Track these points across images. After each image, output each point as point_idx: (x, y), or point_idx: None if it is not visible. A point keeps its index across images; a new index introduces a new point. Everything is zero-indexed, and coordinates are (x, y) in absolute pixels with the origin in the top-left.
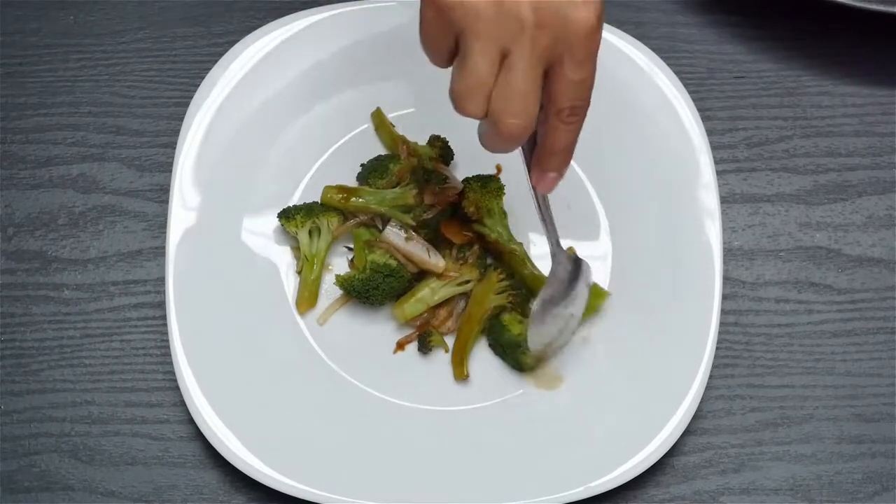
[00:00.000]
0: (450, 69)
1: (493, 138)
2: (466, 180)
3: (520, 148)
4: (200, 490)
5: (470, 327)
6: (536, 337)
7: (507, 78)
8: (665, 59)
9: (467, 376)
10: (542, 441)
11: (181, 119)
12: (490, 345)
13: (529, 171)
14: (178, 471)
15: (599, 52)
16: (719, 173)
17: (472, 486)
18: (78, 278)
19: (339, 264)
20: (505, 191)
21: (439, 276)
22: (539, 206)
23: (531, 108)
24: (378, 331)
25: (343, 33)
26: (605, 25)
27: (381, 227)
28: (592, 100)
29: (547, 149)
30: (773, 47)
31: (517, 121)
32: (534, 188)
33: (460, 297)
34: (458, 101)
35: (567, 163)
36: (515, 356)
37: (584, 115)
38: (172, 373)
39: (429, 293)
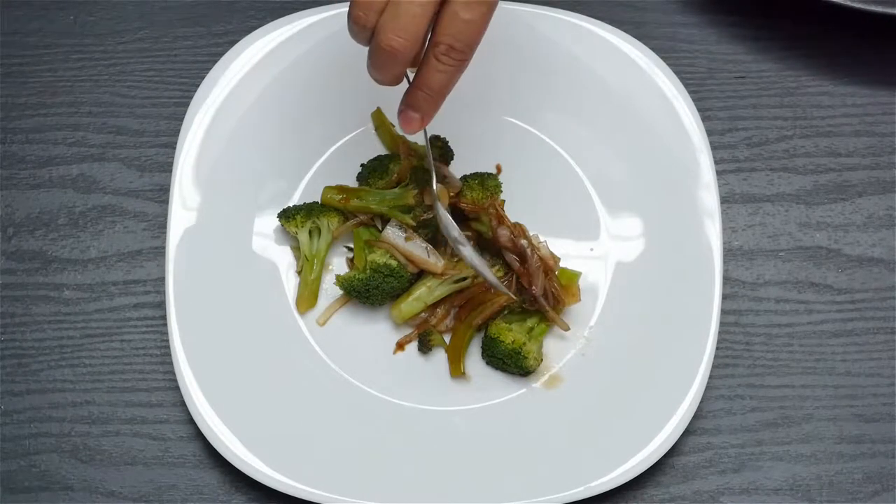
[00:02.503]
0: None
1: (373, 54)
2: (464, 178)
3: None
4: (200, 490)
5: (467, 325)
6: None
7: (397, 3)
8: (665, 59)
9: (464, 373)
10: (542, 441)
11: (181, 119)
12: (488, 363)
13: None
14: (178, 471)
15: (599, 51)
16: (719, 173)
17: (472, 486)
18: (78, 278)
19: (339, 264)
20: (503, 188)
21: (436, 274)
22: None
23: (416, 30)
24: (378, 331)
25: (343, 33)
26: (605, 25)
27: (380, 227)
28: (592, 100)
29: (416, 83)
30: (773, 47)
31: (399, 38)
32: (398, 122)
33: (457, 294)
34: (355, 7)
35: (433, 107)
36: (518, 362)
37: (462, 64)
38: (172, 373)
39: (426, 292)
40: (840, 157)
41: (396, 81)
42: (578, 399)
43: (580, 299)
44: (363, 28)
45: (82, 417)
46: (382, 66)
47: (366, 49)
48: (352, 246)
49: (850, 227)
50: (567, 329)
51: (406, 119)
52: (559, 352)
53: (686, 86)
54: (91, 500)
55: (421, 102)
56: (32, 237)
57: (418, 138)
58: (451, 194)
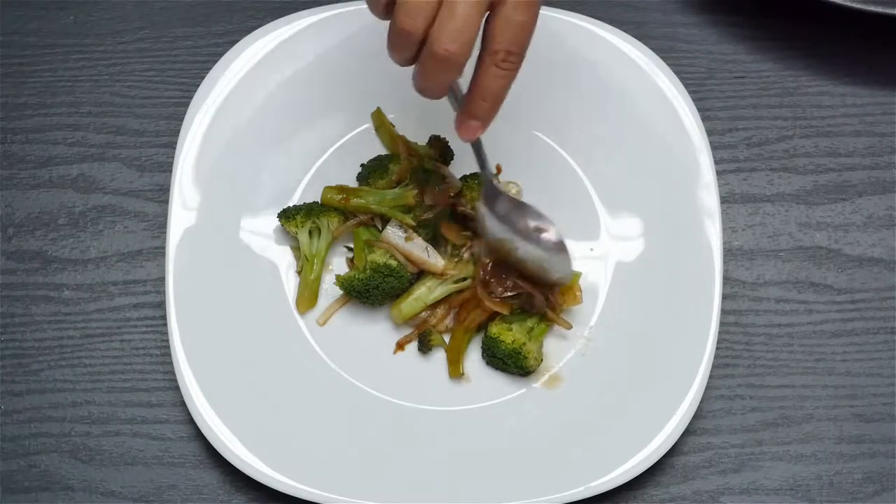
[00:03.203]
0: None
1: (426, 63)
2: (464, 178)
3: (453, 99)
4: (200, 490)
5: (466, 325)
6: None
7: (451, 4)
8: (665, 59)
9: (462, 374)
10: (542, 441)
11: (181, 119)
12: (488, 363)
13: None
14: (178, 471)
15: (599, 51)
16: (719, 173)
17: (472, 486)
18: (78, 278)
19: (339, 264)
20: (503, 188)
21: (436, 274)
22: (473, 150)
23: (469, 35)
24: (378, 331)
25: (343, 33)
26: (605, 25)
27: (380, 227)
28: (592, 99)
29: (476, 92)
30: (773, 47)
31: (454, 45)
32: (457, 133)
33: (457, 294)
34: (403, 15)
35: (493, 113)
36: (518, 363)
37: (518, 66)
38: (172, 373)
39: (425, 292)
40: (840, 157)
41: (444, 92)
42: (578, 399)
43: (581, 301)
44: (410, 37)
45: (82, 417)
46: (437, 75)
47: (364, 48)
48: (352, 246)
49: (850, 227)
50: (569, 327)
51: (467, 129)
52: (559, 352)
53: (686, 86)
54: (91, 500)
55: (483, 110)
56: (32, 237)
57: (419, 136)
58: (451, 195)
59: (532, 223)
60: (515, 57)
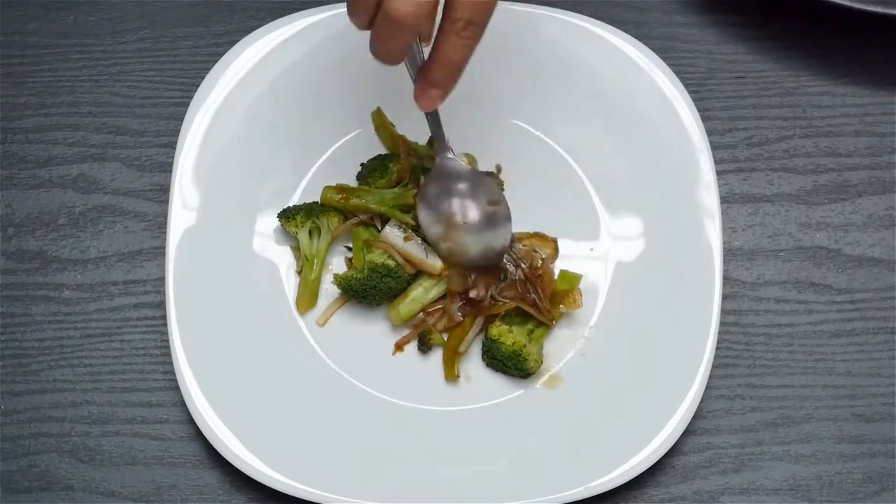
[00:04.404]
0: None
1: (381, 24)
2: None
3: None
4: (200, 490)
5: (463, 327)
6: (427, 225)
7: None
8: (665, 59)
9: (458, 377)
10: (542, 441)
11: (181, 119)
12: (488, 365)
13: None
14: (178, 471)
15: (599, 51)
16: (719, 173)
17: (472, 486)
18: (78, 278)
19: (339, 264)
20: (504, 187)
21: (433, 275)
22: (428, 121)
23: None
24: (378, 331)
25: (343, 33)
26: (605, 25)
27: (380, 227)
28: (592, 100)
29: (436, 60)
30: (773, 47)
31: (408, 6)
32: (416, 102)
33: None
34: None
35: (452, 82)
36: (518, 365)
37: (478, 37)
38: (172, 373)
39: (422, 292)
40: (840, 157)
41: (400, 57)
42: (578, 399)
43: (581, 305)
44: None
45: (82, 417)
46: (390, 38)
47: (364, 48)
48: (351, 245)
49: (850, 227)
50: (550, 322)
51: (427, 97)
52: (559, 352)
53: (686, 86)
54: (91, 500)
55: (442, 78)
56: (32, 237)
57: (419, 136)
58: None
59: (486, 196)
60: (476, 27)
